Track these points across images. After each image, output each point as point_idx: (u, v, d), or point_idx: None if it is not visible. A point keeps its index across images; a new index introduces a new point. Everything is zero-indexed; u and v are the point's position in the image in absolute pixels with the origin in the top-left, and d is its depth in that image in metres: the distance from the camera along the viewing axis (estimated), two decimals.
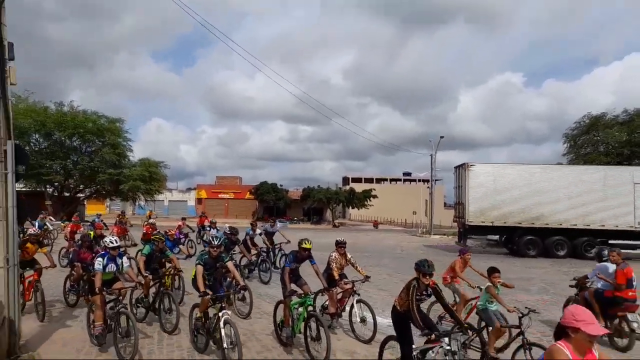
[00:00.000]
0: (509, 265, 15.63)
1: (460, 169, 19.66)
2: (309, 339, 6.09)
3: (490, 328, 5.84)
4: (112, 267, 6.60)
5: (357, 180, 70.27)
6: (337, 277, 7.44)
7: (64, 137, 36.61)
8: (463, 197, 19.07)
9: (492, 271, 6.02)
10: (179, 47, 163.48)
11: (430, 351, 4.71)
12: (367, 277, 7.29)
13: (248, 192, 56.52)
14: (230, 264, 6.62)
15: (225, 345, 5.45)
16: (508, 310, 5.59)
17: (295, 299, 6.49)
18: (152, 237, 8.57)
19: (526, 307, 5.46)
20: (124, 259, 6.76)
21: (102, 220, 14.89)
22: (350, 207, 54.88)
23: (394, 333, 5.08)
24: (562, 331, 2.65)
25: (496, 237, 20.44)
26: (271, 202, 53.68)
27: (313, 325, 5.98)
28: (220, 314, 5.74)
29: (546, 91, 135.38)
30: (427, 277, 4.89)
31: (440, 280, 6.83)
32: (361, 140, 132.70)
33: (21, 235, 18.11)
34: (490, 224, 18.52)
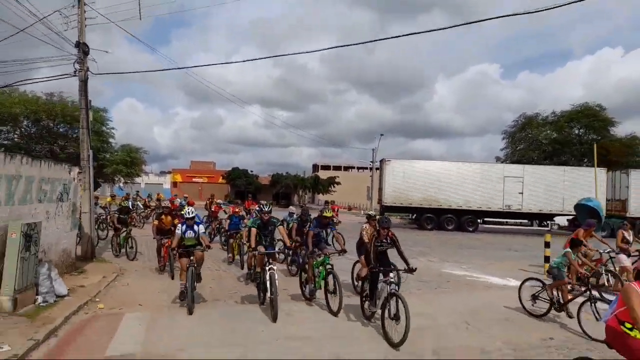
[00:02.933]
0: (409, 234, 22.39)
1: (382, 163, 26.38)
2: (328, 293, 7.53)
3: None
4: (190, 234, 8.03)
5: (326, 167, 76.83)
6: (367, 242, 8.68)
7: (51, 123, 41.85)
8: (382, 184, 25.80)
9: (577, 244, 7.58)
10: (154, 28, 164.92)
11: (384, 282, 6.45)
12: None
13: (221, 177, 62.41)
14: (281, 228, 8.24)
15: (270, 295, 6.97)
16: (579, 272, 7.23)
17: (317, 260, 7.86)
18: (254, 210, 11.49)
19: (592, 269, 7.37)
20: (201, 226, 8.23)
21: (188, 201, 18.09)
22: (316, 193, 61.56)
23: None
24: (638, 274, 3.57)
25: (409, 215, 27.34)
26: (242, 187, 59.76)
27: (331, 281, 7.20)
28: (267, 268, 7.25)
29: (521, 83, 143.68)
30: (385, 229, 6.80)
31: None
32: (339, 126, 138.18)
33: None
34: (401, 205, 25.31)
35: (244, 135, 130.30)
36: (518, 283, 10.70)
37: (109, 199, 20.19)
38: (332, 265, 7.80)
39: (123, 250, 12.61)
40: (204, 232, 8.45)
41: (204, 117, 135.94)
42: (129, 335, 6.24)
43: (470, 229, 24.73)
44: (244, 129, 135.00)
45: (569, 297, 7.32)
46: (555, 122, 47.46)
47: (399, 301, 6.01)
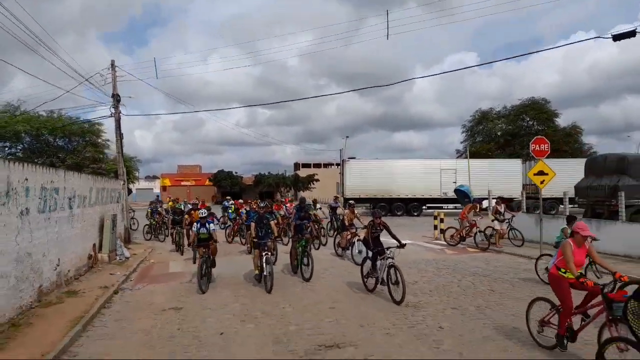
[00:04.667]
0: (363, 220, 28.51)
1: (343, 162, 32.59)
2: (303, 265, 10.02)
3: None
4: (203, 230, 10.02)
5: (307, 165, 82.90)
6: (347, 224, 12.83)
7: (51, 138, 47.23)
8: (344, 180, 31.99)
9: (572, 219, 8.84)
10: (130, 28, 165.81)
11: (383, 259, 8.35)
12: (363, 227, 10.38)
13: (207, 179, 68.06)
14: (272, 222, 10.16)
15: (265, 273, 9.04)
16: None
17: (300, 242, 10.42)
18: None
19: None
20: (212, 224, 10.16)
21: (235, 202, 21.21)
22: (297, 190, 67.63)
23: None
24: (572, 234, 5.58)
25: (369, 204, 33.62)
26: (228, 188, 65.53)
27: (393, 273, 8.10)
28: (262, 254, 9.22)
29: (497, 71, 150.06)
30: (378, 218, 8.89)
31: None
32: (322, 122, 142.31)
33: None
34: (359, 196, 31.50)
35: (227, 136, 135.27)
36: (410, 242, 16.94)
37: (170, 203, 22.11)
38: (307, 246, 10.43)
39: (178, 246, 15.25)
40: (214, 229, 10.40)
41: (185, 119, 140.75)
42: (176, 267, 12.36)
43: (415, 214, 31.05)
44: (227, 130, 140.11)
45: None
46: (506, 115, 54.08)
47: (397, 271, 8.00)
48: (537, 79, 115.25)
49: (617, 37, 10.15)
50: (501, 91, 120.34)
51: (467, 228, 15.71)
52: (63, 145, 49.75)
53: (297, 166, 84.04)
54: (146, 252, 15.43)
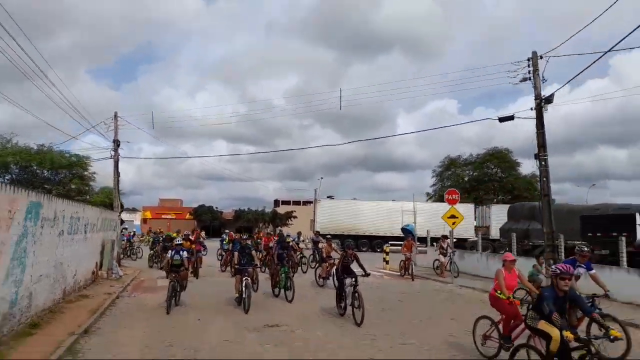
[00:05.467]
0: None
1: (315, 202, 36.10)
2: (286, 290, 11.66)
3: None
4: (177, 257, 11.13)
5: (287, 202, 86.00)
6: (325, 256, 14.63)
7: (38, 170, 49.76)
8: (315, 217, 35.38)
9: (540, 255, 11.50)
10: (121, 64, 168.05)
11: (350, 286, 9.61)
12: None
13: (188, 213, 70.49)
14: (252, 252, 11.80)
15: (244, 296, 10.30)
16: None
17: (281, 269, 12.21)
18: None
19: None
20: (184, 252, 11.38)
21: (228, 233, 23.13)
22: (275, 226, 70.53)
23: None
24: (503, 263, 6.79)
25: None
26: (208, 222, 68.05)
27: (288, 284, 10.75)
28: (243, 278, 10.64)
29: (477, 118, 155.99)
30: (350, 249, 10.46)
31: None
32: (305, 160, 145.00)
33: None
34: (329, 233, 34.76)
35: (209, 171, 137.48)
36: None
37: (175, 234, 22.47)
38: (289, 272, 12.29)
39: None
40: (187, 257, 11.68)
41: (168, 153, 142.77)
42: (162, 283, 15.26)
43: (379, 250, 34.34)
44: (210, 164, 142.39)
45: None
46: (472, 162, 58.50)
47: (359, 297, 9.23)
48: (517, 125, 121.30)
49: (502, 119, 13.97)
50: (481, 136, 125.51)
51: (408, 260, 18.97)
52: (50, 177, 52.43)
53: (277, 203, 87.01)
54: (135, 272, 18.40)
